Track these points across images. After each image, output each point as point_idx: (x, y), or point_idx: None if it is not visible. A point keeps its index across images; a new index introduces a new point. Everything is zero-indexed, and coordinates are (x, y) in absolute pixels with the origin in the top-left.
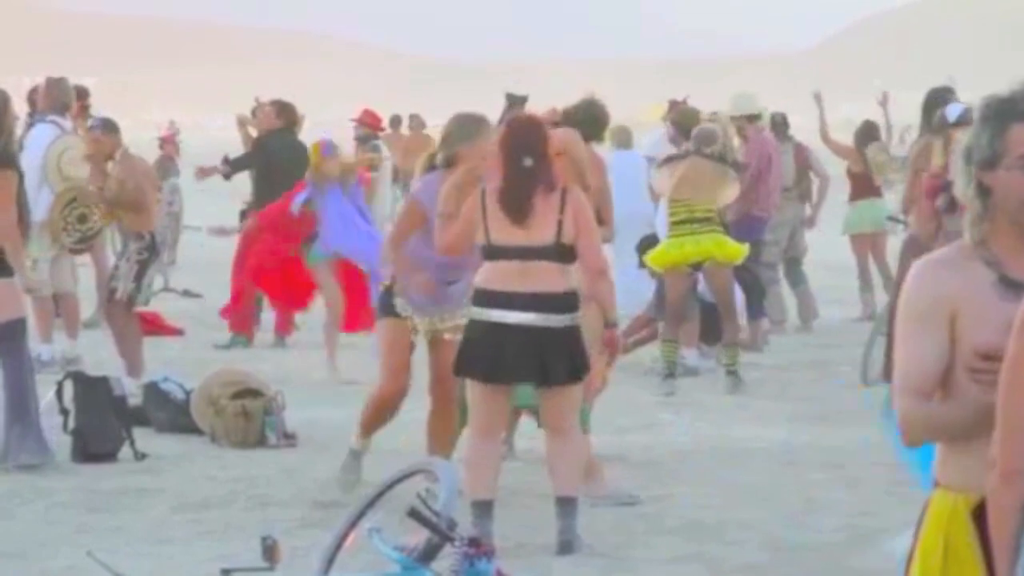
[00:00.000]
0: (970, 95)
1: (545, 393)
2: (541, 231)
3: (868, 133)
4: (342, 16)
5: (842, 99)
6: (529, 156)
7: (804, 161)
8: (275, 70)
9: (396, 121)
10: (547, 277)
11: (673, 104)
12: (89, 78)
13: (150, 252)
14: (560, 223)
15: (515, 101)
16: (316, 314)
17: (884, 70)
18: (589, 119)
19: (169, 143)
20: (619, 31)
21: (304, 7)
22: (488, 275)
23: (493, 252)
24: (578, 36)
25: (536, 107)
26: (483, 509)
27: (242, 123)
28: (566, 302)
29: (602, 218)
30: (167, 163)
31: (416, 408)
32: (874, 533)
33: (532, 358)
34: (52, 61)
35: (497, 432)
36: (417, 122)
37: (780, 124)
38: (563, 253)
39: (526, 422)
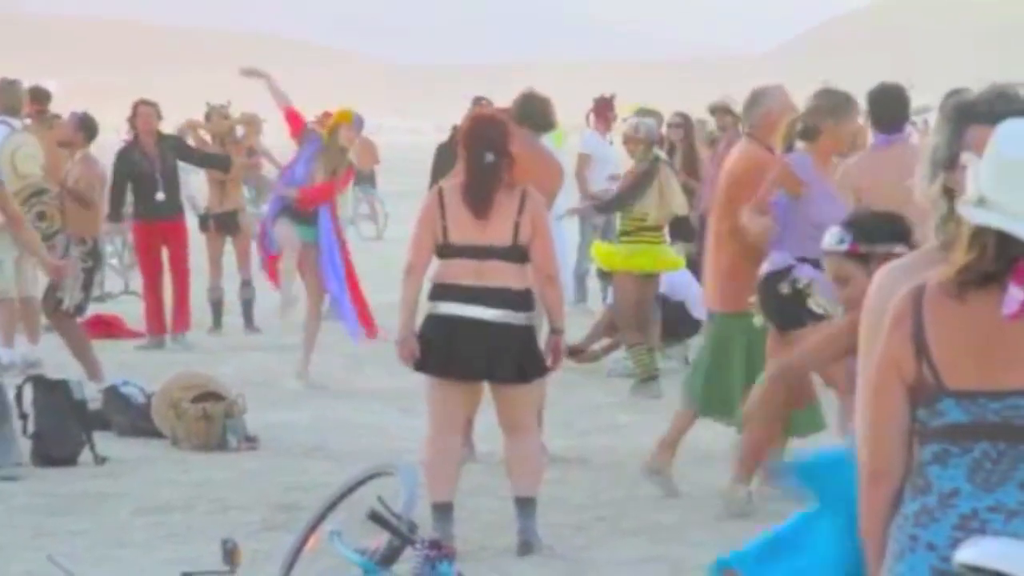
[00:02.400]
0: (931, 97)
1: (498, 390)
2: (499, 231)
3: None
4: (316, 20)
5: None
6: (491, 152)
7: None
8: (231, 73)
9: (358, 123)
10: (503, 275)
11: (599, 101)
12: (50, 80)
13: (94, 259)
14: (518, 224)
15: (480, 103)
16: (276, 315)
17: (844, 73)
18: (531, 114)
19: None
20: (591, 34)
21: (278, 11)
22: (444, 270)
23: (450, 251)
24: (552, 39)
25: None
26: (443, 511)
27: (192, 127)
28: (521, 300)
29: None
30: None
31: (375, 410)
32: None
33: (483, 354)
34: (11, 63)
35: (455, 430)
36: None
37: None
38: (520, 254)
39: (480, 424)
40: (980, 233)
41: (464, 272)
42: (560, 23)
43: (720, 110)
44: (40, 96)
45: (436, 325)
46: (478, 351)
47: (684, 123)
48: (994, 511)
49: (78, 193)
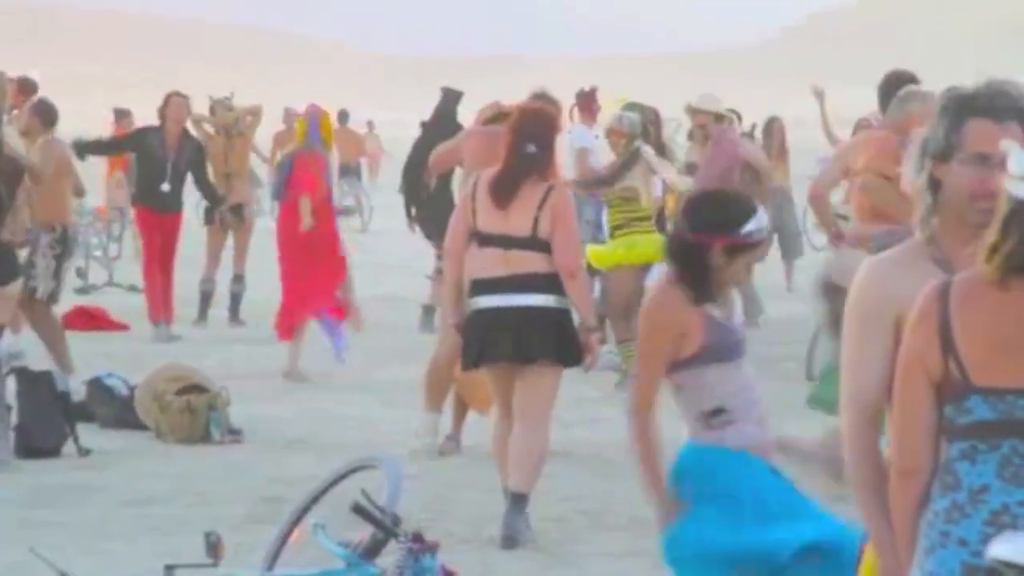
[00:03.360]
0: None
1: (520, 375)
2: (519, 221)
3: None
4: (312, 14)
5: (792, 97)
6: (534, 144)
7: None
8: (231, 66)
9: (343, 116)
10: (529, 262)
11: (582, 95)
12: (33, 70)
13: (63, 245)
14: (537, 218)
15: (451, 96)
16: (261, 308)
17: (828, 68)
18: None
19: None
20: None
21: (273, 4)
22: (473, 264)
23: (479, 239)
24: (543, 33)
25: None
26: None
27: (197, 122)
28: (546, 283)
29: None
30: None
31: (359, 403)
32: None
33: (515, 336)
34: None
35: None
36: (343, 117)
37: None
38: (541, 245)
39: (473, 419)
40: (1020, 214)
41: (492, 261)
42: (551, 18)
43: (695, 111)
44: (27, 87)
45: (473, 319)
46: (510, 335)
47: (656, 120)
48: None
49: (31, 169)
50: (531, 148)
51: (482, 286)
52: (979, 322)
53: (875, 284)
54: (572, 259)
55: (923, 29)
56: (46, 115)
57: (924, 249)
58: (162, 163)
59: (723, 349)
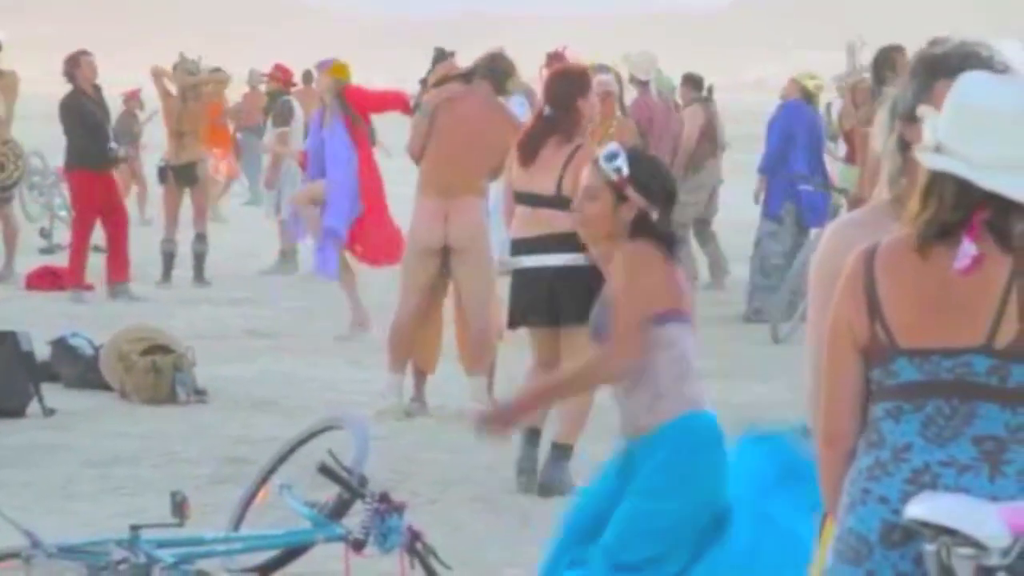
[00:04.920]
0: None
1: (564, 334)
2: (544, 180)
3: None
4: None
5: (754, 60)
6: (553, 106)
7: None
8: (201, 27)
9: (308, 76)
10: (554, 220)
11: (551, 56)
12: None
13: None
14: (562, 177)
15: (442, 56)
16: (226, 268)
17: (795, 31)
18: (493, 73)
19: (133, 99)
20: None
21: None
22: (513, 222)
23: (515, 198)
24: None
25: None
26: (529, 436)
27: (159, 76)
28: (567, 241)
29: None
30: (129, 120)
31: (325, 364)
32: None
33: (544, 300)
34: None
35: (553, 365)
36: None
37: (692, 86)
38: (566, 205)
39: (431, 380)
40: (938, 182)
41: (523, 221)
42: None
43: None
44: None
45: (513, 279)
46: (540, 298)
47: (619, 81)
48: (946, 465)
49: None
50: (547, 111)
51: (518, 246)
52: (903, 284)
53: (838, 245)
54: None
55: None
56: None
57: (890, 210)
58: (102, 124)
59: None
